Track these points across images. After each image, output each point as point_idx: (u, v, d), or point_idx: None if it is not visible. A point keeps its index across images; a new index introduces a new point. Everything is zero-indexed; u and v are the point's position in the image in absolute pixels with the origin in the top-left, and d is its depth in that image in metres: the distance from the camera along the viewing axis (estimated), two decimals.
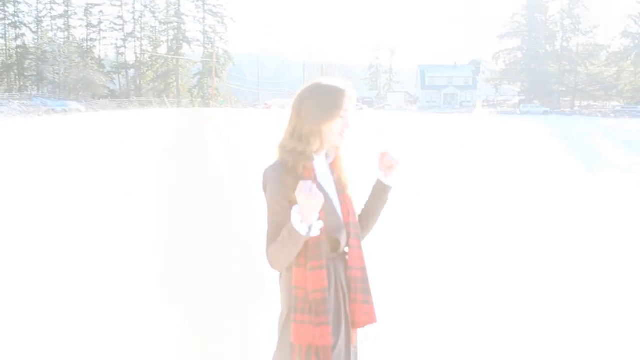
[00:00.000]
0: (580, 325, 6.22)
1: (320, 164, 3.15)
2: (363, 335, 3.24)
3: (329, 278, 3.10)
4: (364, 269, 3.22)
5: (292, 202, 2.93)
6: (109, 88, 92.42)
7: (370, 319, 3.21)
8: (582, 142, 34.37)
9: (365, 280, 3.22)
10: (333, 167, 3.24)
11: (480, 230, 11.16)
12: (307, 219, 2.86)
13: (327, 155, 3.21)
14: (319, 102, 3.07)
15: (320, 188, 3.05)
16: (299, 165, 3.03)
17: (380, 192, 3.33)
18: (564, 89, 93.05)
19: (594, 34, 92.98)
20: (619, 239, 10.80)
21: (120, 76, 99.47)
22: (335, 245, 3.10)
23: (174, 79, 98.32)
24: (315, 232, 2.91)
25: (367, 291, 3.22)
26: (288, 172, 3.00)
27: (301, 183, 2.81)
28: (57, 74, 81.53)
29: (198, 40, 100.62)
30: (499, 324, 6.22)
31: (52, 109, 56.22)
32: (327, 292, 3.06)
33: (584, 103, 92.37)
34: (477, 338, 5.84)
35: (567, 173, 21.51)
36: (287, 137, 3.10)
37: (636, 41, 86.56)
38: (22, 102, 62.76)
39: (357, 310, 3.18)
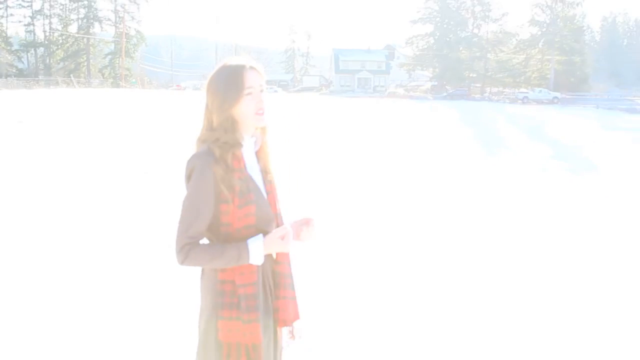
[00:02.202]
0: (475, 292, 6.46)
1: (248, 153, 2.97)
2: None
3: (258, 272, 2.93)
4: (290, 264, 3.11)
5: (217, 195, 2.80)
6: (16, 67, 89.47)
7: (297, 315, 3.10)
8: (486, 127, 35.19)
9: (291, 275, 3.11)
10: (259, 155, 3.05)
11: (375, 211, 11.37)
12: (264, 253, 2.84)
13: (255, 143, 3.01)
14: (220, 85, 2.87)
15: (250, 179, 2.92)
16: (228, 155, 2.84)
17: None
18: (474, 75, 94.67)
19: (503, 21, 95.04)
20: (507, 216, 11.22)
21: (29, 55, 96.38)
22: None
23: (85, 58, 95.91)
24: (259, 261, 2.85)
25: (293, 287, 3.11)
26: (217, 163, 2.80)
27: (287, 231, 2.83)
28: None
29: (109, 20, 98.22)
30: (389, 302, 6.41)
31: None
32: (257, 286, 2.91)
33: (494, 89, 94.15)
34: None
35: (466, 156, 22.06)
36: (204, 130, 2.92)
37: (543, 29, 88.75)
38: None
39: (287, 308, 3.05)
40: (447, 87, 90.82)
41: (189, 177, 2.81)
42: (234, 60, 2.95)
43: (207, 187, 2.79)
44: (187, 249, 2.77)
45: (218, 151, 2.81)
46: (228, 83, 2.84)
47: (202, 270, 2.97)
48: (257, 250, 2.81)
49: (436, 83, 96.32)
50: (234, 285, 2.85)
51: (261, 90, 2.91)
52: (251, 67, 2.90)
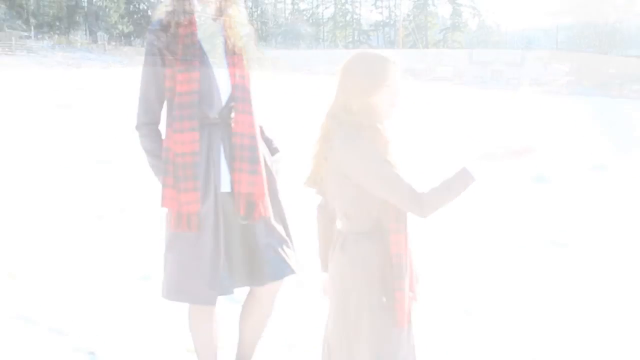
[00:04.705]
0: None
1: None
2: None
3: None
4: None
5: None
6: None
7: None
8: (619, 124, 33.80)
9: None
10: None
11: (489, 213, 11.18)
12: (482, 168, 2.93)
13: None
14: (365, 73, 3.02)
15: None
16: (376, 136, 3.02)
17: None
18: (613, 70, 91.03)
19: None
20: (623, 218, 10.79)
21: None
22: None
23: None
24: (481, 176, 2.94)
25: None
26: (373, 141, 2.99)
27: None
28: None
29: None
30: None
31: None
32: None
33: (635, 87, 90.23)
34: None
35: (595, 155, 21.29)
36: (340, 110, 3.06)
37: None
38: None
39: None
40: (583, 82, 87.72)
41: (363, 158, 2.93)
42: (377, 52, 3.17)
43: (384, 156, 2.96)
44: (419, 197, 2.86)
45: (366, 133, 2.99)
46: (374, 71, 3.03)
47: (353, 255, 3.01)
48: (474, 166, 2.89)
49: (572, 78, 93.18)
50: (403, 257, 2.99)
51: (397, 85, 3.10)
52: (394, 62, 3.08)
